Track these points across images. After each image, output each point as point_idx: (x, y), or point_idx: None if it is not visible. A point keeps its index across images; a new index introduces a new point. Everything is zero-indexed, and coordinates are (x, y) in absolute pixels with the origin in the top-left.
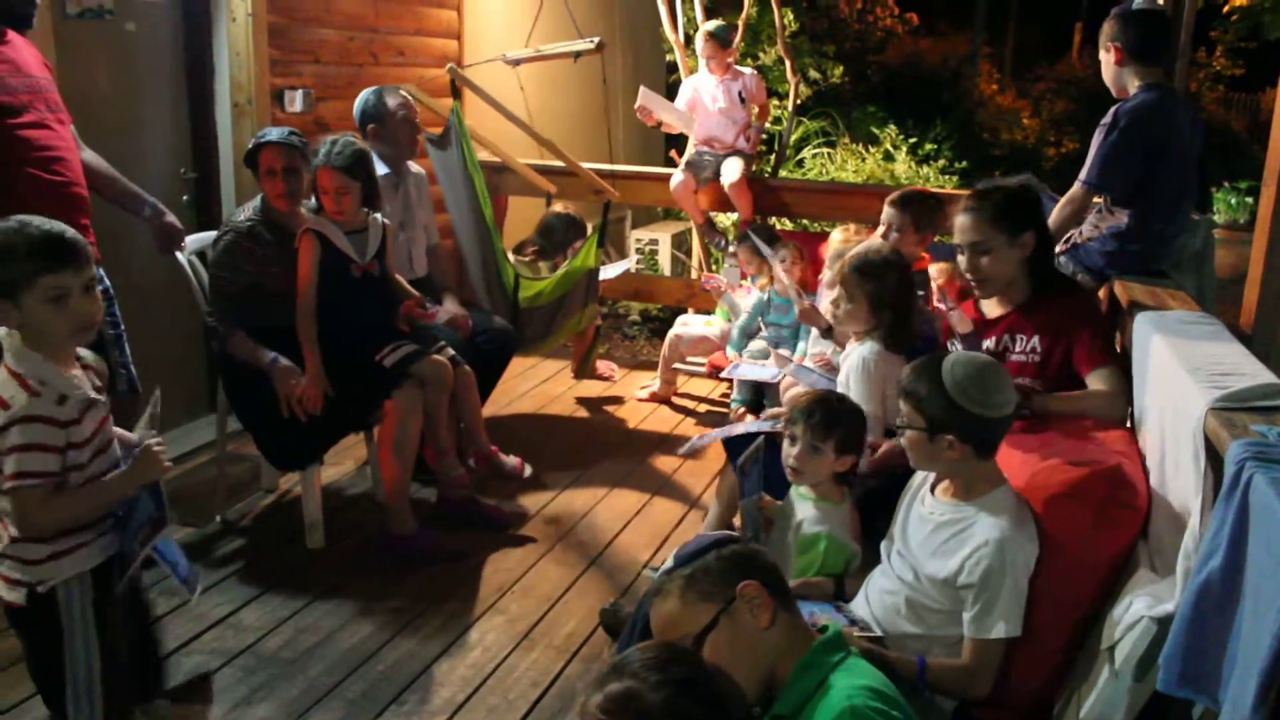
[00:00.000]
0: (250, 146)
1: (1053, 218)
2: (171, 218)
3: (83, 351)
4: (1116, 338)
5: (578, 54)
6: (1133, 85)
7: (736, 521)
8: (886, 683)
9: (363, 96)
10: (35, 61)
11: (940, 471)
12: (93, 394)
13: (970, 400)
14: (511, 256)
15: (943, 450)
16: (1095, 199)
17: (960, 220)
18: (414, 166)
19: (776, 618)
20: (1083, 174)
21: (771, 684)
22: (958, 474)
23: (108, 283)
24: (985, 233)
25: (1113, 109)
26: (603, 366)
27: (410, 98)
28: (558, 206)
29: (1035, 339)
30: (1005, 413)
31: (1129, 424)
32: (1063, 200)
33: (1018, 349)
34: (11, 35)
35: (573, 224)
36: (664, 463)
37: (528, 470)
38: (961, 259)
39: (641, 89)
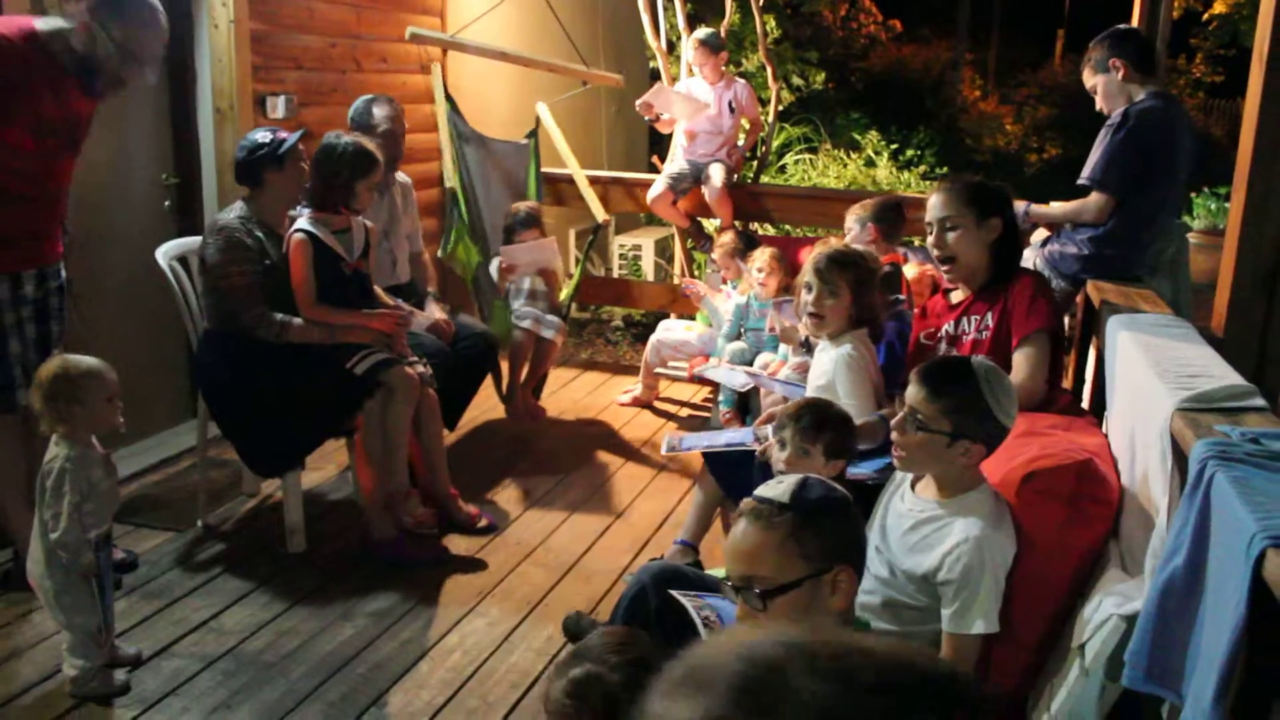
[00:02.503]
0: (283, 149)
1: (1059, 209)
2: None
3: None
4: (1093, 341)
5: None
6: (1139, 95)
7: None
8: None
9: (356, 104)
10: (87, 107)
11: (931, 471)
12: None
13: (1002, 410)
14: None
15: (957, 455)
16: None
17: (932, 199)
18: (401, 176)
19: (848, 608)
20: (1086, 171)
21: None
22: (945, 473)
23: (64, 278)
24: (955, 209)
25: (1121, 110)
26: (535, 407)
27: (398, 111)
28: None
29: (989, 315)
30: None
31: (1102, 424)
32: (1079, 204)
33: (972, 330)
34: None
35: (522, 217)
36: (645, 467)
37: (483, 522)
38: (930, 238)
39: (658, 85)
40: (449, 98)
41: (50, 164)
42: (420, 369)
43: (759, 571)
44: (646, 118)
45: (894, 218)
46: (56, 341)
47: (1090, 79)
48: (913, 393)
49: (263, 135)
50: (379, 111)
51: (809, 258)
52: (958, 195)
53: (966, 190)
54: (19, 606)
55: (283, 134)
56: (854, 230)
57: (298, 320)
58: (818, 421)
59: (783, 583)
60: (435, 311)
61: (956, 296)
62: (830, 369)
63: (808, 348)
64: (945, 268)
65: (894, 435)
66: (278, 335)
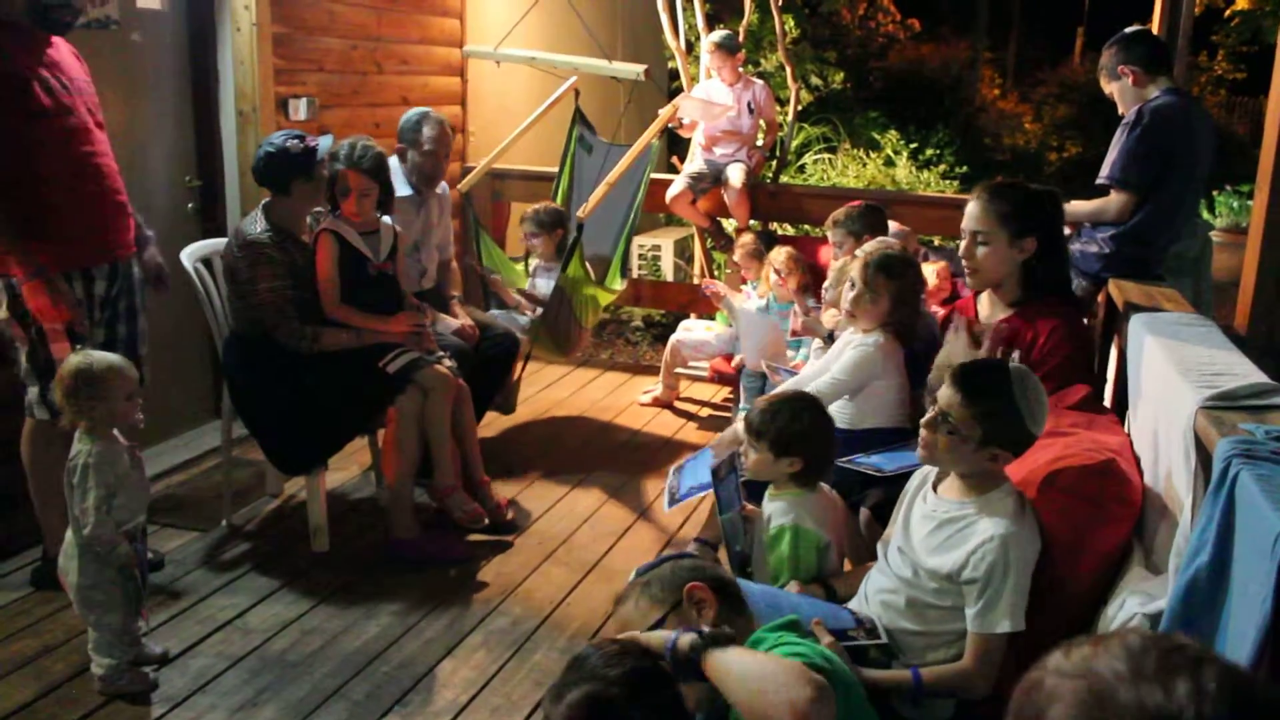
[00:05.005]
0: (316, 159)
1: (1082, 208)
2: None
3: None
4: (1114, 339)
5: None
6: (1152, 93)
7: (721, 555)
8: (828, 656)
9: (408, 115)
10: (74, 63)
11: (953, 469)
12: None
13: (1033, 420)
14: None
15: (983, 459)
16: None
17: (970, 207)
18: (441, 186)
19: (727, 619)
20: (1104, 170)
21: None
22: (969, 473)
23: (136, 273)
24: (988, 224)
25: (1136, 107)
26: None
27: (445, 133)
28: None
29: (1015, 352)
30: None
31: (1124, 422)
32: (1100, 202)
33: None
34: (54, 38)
35: (528, 223)
36: (666, 468)
37: (509, 514)
38: (962, 243)
39: (683, 101)
40: (578, 108)
41: (66, 124)
42: (449, 363)
43: (634, 630)
44: (670, 125)
45: (876, 223)
46: (123, 344)
47: (1106, 86)
48: (946, 395)
49: (294, 144)
50: (427, 131)
51: (859, 254)
52: (994, 210)
53: (1004, 204)
54: (48, 605)
55: (311, 141)
56: (848, 243)
57: (326, 328)
58: (759, 422)
59: (649, 626)
60: (460, 316)
61: (985, 311)
62: (841, 348)
63: (831, 340)
64: (969, 278)
65: (922, 431)
66: (309, 347)
